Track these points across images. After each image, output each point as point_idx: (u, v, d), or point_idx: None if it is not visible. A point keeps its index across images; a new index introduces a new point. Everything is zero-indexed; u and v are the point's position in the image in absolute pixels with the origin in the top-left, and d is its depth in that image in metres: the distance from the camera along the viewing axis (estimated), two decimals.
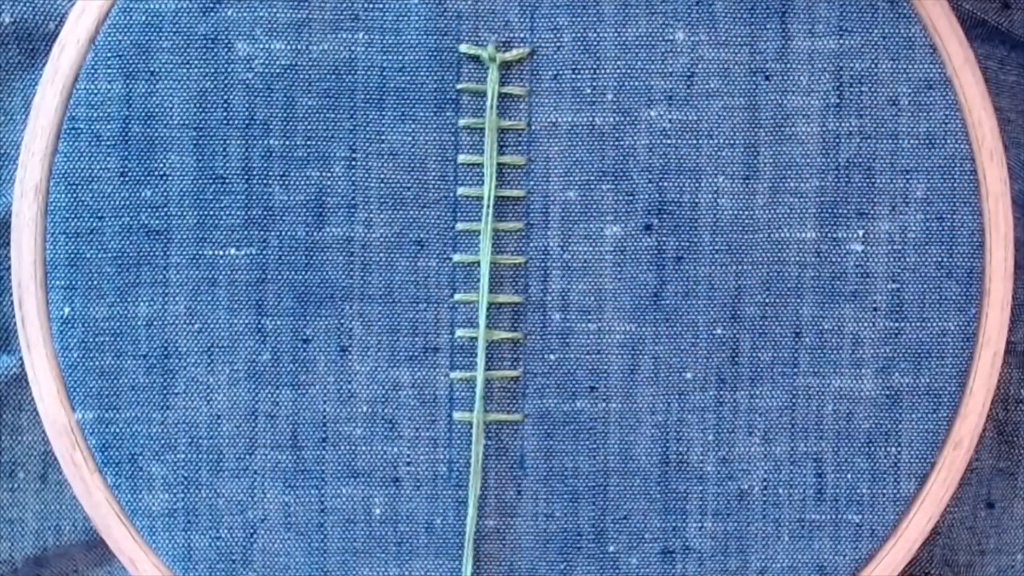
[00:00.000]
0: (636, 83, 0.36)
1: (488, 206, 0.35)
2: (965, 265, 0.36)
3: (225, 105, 0.36)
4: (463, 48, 0.36)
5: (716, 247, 0.36)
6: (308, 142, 0.36)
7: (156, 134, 0.36)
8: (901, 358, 0.36)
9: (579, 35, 0.36)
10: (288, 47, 0.35)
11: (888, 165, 0.36)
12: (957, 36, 0.36)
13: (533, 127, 0.36)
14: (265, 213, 0.36)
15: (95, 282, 0.36)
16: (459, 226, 0.36)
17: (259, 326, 0.36)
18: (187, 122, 0.36)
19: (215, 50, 0.35)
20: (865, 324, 0.36)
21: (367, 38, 0.36)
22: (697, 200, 0.36)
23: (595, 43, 0.36)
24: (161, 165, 0.36)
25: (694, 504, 0.37)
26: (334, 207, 0.36)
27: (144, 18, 0.36)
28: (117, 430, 0.36)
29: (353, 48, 0.36)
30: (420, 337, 0.36)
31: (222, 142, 0.36)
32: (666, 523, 0.37)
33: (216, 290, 0.36)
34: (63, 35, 0.36)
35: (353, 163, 0.36)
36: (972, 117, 0.36)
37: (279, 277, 0.36)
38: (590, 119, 0.36)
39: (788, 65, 0.36)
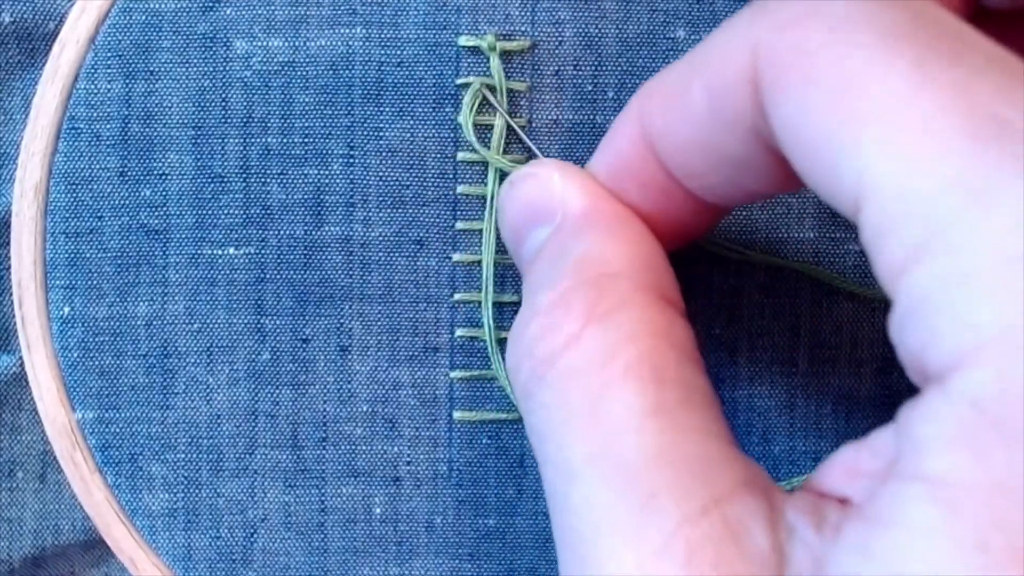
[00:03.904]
0: (637, 81, 0.36)
1: (491, 205, 0.35)
2: None
3: (224, 104, 0.36)
4: (462, 41, 0.36)
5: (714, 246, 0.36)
6: (306, 139, 0.36)
7: (155, 133, 0.36)
8: None
9: (581, 30, 0.36)
10: (286, 44, 0.35)
11: None
12: None
13: (534, 124, 0.36)
14: (264, 212, 0.36)
15: (95, 282, 0.36)
16: (459, 225, 0.36)
17: (258, 326, 0.36)
18: (186, 121, 0.36)
19: (214, 49, 0.35)
20: (864, 324, 0.36)
21: (365, 32, 0.35)
22: None
23: (597, 39, 0.36)
24: (160, 164, 0.36)
25: None
26: (332, 205, 0.36)
27: (144, 18, 0.36)
28: (117, 430, 0.36)
29: (351, 43, 0.36)
30: (420, 337, 0.36)
31: (220, 141, 0.36)
32: None
33: (215, 289, 0.36)
34: (63, 34, 0.36)
35: (351, 161, 0.36)
36: None
37: (278, 276, 0.36)
38: (591, 117, 0.36)
39: None
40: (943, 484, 0.22)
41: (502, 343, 0.36)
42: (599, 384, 0.27)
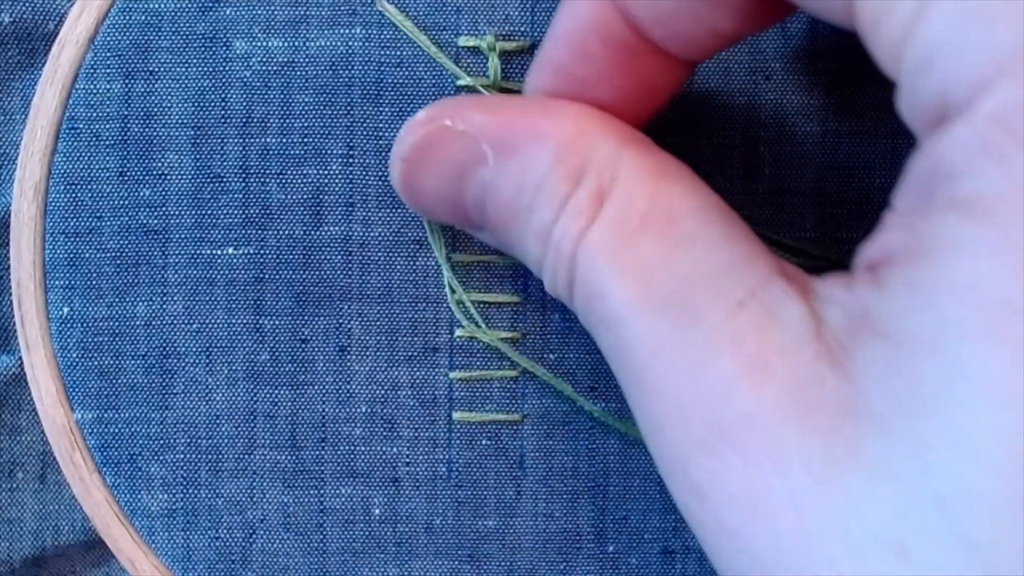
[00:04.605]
0: None
1: None
2: None
3: (223, 104, 0.36)
4: (461, 41, 0.36)
5: None
6: (305, 139, 0.36)
7: (155, 133, 0.36)
8: None
9: None
10: (286, 44, 0.35)
11: (888, 164, 0.36)
12: None
13: None
14: (263, 212, 0.36)
15: (94, 282, 0.36)
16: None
17: (257, 326, 0.36)
18: (185, 121, 0.36)
19: (213, 49, 0.36)
20: None
21: (364, 32, 0.36)
22: None
23: None
24: (160, 164, 0.36)
25: None
26: (331, 205, 0.36)
27: (143, 18, 0.36)
28: (116, 430, 0.36)
29: (350, 43, 0.36)
30: (419, 337, 0.36)
31: (220, 141, 0.36)
32: (666, 523, 0.37)
33: (214, 290, 0.36)
34: (63, 34, 0.36)
35: (350, 160, 0.36)
36: None
37: (277, 276, 0.36)
38: None
39: (788, 64, 0.36)
40: (975, 201, 0.22)
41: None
42: (622, 243, 0.28)
